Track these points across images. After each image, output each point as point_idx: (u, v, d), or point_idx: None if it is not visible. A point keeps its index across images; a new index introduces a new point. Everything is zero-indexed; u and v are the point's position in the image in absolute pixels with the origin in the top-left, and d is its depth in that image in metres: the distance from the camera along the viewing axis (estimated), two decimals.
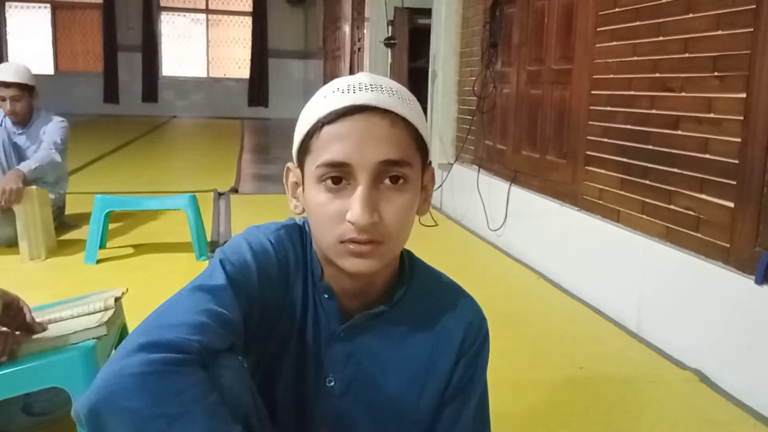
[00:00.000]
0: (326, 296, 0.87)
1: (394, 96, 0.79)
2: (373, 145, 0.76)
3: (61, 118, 3.33)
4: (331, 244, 0.79)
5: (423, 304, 0.91)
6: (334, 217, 0.77)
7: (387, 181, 0.78)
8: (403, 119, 0.79)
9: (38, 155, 3.11)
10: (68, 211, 3.55)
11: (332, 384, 0.88)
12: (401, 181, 0.78)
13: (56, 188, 3.36)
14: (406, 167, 0.78)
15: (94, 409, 0.63)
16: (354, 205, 0.75)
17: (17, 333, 1.27)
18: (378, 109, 0.77)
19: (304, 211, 0.85)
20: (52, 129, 3.26)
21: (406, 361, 0.89)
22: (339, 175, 0.77)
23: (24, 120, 3.24)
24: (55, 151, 3.16)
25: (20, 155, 3.18)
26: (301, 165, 0.83)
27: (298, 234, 0.90)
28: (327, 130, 0.77)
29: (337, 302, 0.87)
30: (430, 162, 0.87)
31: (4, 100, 3.14)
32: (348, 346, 0.88)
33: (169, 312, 0.73)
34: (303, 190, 0.83)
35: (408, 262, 0.91)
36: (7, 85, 3.12)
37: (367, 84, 0.79)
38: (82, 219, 3.41)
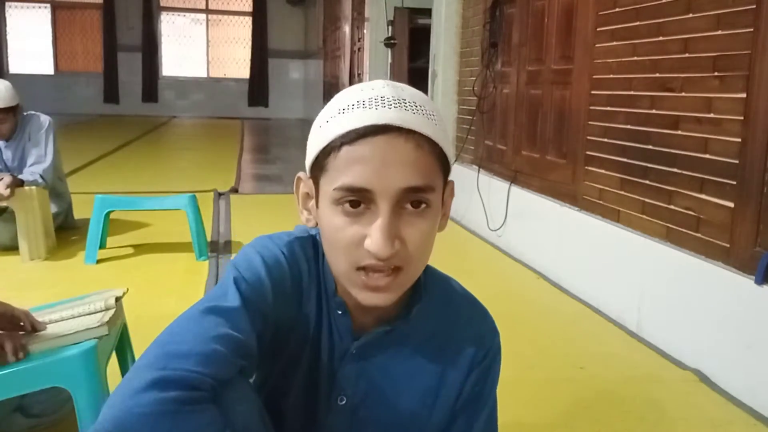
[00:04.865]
0: (339, 312, 0.84)
1: (419, 112, 0.74)
2: (395, 170, 0.71)
3: (44, 118, 3.24)
4: (345, 270, 0.76)
5: (437, 318, 0.88)
6: (352, 242, 0.73)
7: (408, 205, 0.73)
8: (428, 140, 0.73)
9: (27, 177, 3.05)
10: None
11: (343, 402, 0.87)
12: (424, 206, 0.74)
13: (59, 200, 3.36)
14: (430, 192, 0.74)
15: None
16: (374, 234, 0.71)
17: (20, 333, 1.28)
18: (402, 129, 0.72)
19: (317, 224, 0.81)
20: (37, 140, 3.17)
21: (418, 376, 0.87)
22: (358, 199, 0.72)
23: (10, 134, 3.17)
24: (42, 179, 3.08)
25: (6, 166, 3.16)
26: (315, 179, 0.78)
27: (311, 247, 0.86)
28: (346, 151, 0.72)
29: (350, 318, 0.84)
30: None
31: None
32: (361, 364, 0.86)
33: (181, 337, 0.69)
34: (317, 205, 0.79)
35: (423, 275, 0.87)
36: None
37: (390, 98, 0.73)
38: (82, 219, 3.41)
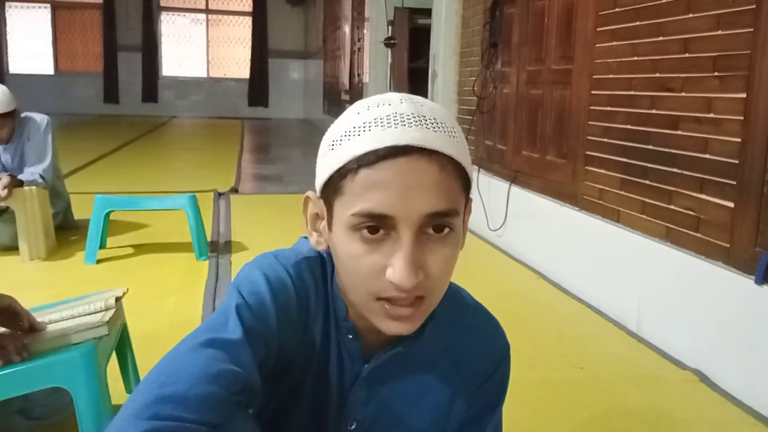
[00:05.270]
0: (350, 337, 0.80)
1: (440, 130, 0.69)
2: (418, 195, 0.66)
3: (41, 118, 3.24)
4: (363, 300, 0.72)
5: (448, 333, 0.85)
6: (371, 272, 0.69)
7: (431, 230, 0.68)
8: (451, 160, 0.68)
9: (27, 176, 3.05)
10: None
11: (353, 427, 0.84)
12: (447, 230, 0.69)
13: (58, 200, 3.37)
14: (454, 216, 0.69)
15: None
16: (397, 265, 0.67)
17: (20, 333, 1.28)
18: (424, 150, 0.67)
19: (328, 247, 0.76)
20: (36, 140, 3.18)
21: (429, 394, 0.85)
22: (377, 225, 0.67)
23: (9, 137, 3.17)
24: (42, 178, 3.09)
25: (6, 168, 3.17)
26: (327, 201, 0.72)
27: (319, 268, 0.81)
28: (365, 174, 0.66)
29: (361, 342, 0.81)
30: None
31: None
32: (372, 387, 0.83)
33: (177, 375, 0.64)
34: (329, 228, 0.73)
35: None
36: None
37: (409, 115, 0.68)
38: (82, 219, 3.41)
